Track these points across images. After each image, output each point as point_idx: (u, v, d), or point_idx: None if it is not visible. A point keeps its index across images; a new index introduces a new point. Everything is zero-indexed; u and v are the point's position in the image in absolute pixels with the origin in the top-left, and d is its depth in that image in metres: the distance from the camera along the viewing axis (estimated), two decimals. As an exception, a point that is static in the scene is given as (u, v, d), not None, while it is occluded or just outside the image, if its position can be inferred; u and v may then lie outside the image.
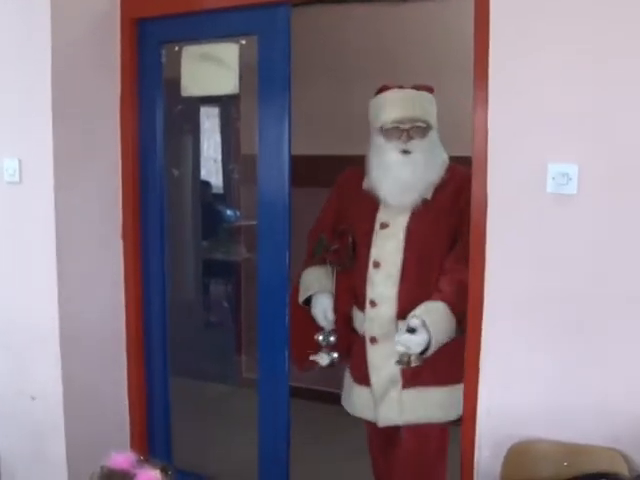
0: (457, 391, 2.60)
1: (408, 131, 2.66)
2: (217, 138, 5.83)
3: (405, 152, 2.65)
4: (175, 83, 3.15)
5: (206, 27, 2.98)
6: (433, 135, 2.70)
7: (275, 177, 2.88)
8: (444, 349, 2.60)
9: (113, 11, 3.12)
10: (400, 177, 2.64)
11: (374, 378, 2.78)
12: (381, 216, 2.74)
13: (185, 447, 3.55)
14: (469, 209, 2.40)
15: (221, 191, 5.88)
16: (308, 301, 2.93)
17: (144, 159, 3.20)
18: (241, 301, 5.01)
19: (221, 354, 5.07)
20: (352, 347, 2.91)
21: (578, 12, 2.19)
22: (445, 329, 2.58)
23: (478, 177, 2.41)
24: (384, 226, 2.72)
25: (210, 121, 5.73)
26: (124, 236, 3.23)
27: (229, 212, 5.76)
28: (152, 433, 3.36)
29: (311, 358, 2.86)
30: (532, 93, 2.28)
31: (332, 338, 2.87)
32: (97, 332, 3.16)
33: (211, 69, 3.05)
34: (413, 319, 2.56)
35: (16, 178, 3.00)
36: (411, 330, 2.55)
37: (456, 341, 2.59)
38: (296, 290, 2.96)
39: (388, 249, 2.70)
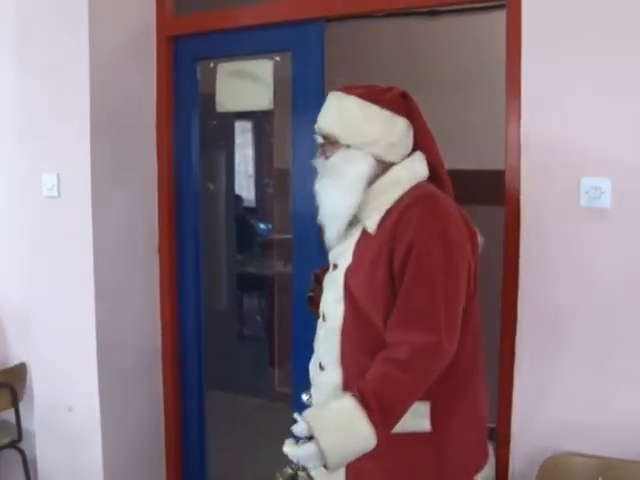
0: None
1: (322, 147, 2.04)
2: (250, 152, 5.89)
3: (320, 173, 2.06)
4: (210, 98, 3.20)
5: (241, 44, 3.03)
6: (345, 154, 1.97)
7: (309, 191, 2.89)
8: (404, 450, 1.91)
9: (150, 29, 3.19)
10: (323, 203, 2.03)
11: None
12: (332, 254, 2.08)
13: (219, 459, 3.57)
14: (410, 241, 1.82)
15: (253, 205, 5.93)
16: None
17: (180, 173, 3.25)
18: (274, 315, 5.03)
19: (254, 367, 5.09)
20: None
21: (612, 26, 2.20)
22: (343, 440, 1.75)
23: (511, 191, 2.41)
24: (334, 267, 2.05)
25: (244, 136, 5.80)
26: (160, 249, 3.28)
27: (262, 226, 5.81)
28: (187, 444, 3.38)
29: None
30: (565, 107, 2.28)
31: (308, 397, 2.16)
32: (133, 345, 3.20)
33: (246, 85, 3.09)
34: (298, 424, 1.80)
35: (54, 192, 3.06)
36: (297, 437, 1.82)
37: (422, 447, 1.91)
38: None
39: (330, 297, 2.03)
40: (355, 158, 1.96)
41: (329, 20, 2.88)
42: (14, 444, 3.30)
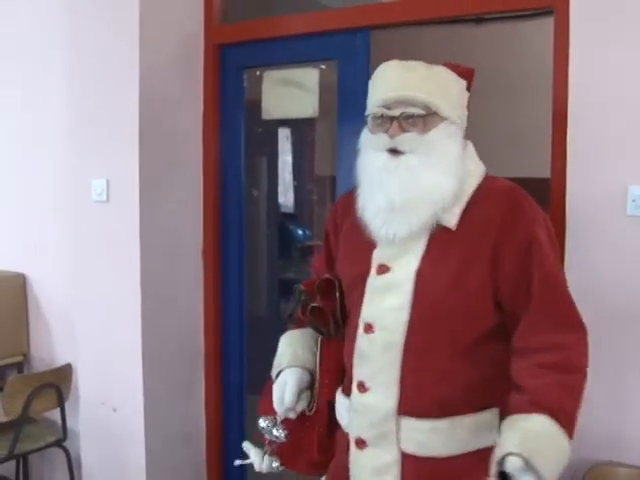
0: None
1: (399, 120, 1.72)
2: (290, 159, 5.92)
3: (392, 152, 1.72)
4: (255, 105, 3.24)
5: (287, 52, 3.07)
6: (444, 129, 1.74)
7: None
8: (471, 472, 1.66)
9: (197, 37, 3.24)
10: (385, 191, 1.72)
11: None
12: (379, 255, 1.78)
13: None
14: (526, 241, 1.68)
15: (292, 211, 5.95)
16: None
17: (225, 179, 3.29)
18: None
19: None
20: (335, 449, 1.93)
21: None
22: (559, 460, 1.53)
23: (556, 199, 2.40)
24: (383, 270, 1.75)
25: (285, 142, 5.83)
26: (205, 254, 3.32)
27: (301, 232, 5.82)
28: (227, 447, 3.40)
29: (243, 446, 2.00)
30: (612, 114, 2.27)
31: (277, 432, 1.87)
32: (177, 347, 3.25)
33: (291, 93, 3.13)
34: (511, 458, 1.48)
35: (104, 197, 3.13)
36: (505, 476, 1.50)
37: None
38: None
39: (387, 305, 1.74)
40: (456, 135, 1.76)
41: (374, 28, 2.90)
42: (59, 443, 3.36)
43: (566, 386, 1.60)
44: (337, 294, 1.86)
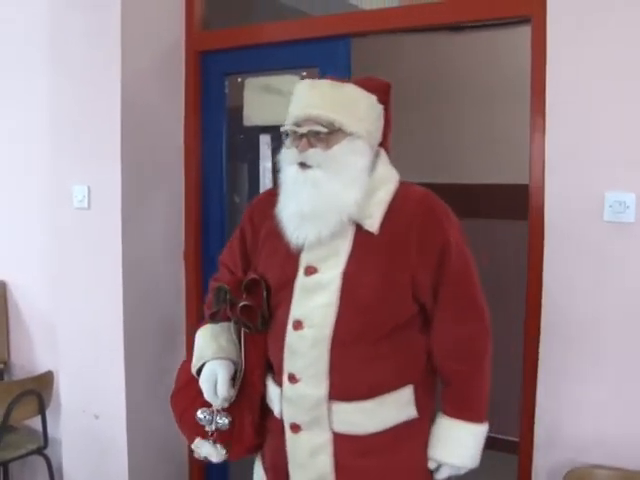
0: None
1: (307, 137, 1.87)
2: (269, 165, 5.92)
3: (302, 165, 1.87)
4: (236, 111, 3.25)
5: (268, 59, 3.08)
6: (348, 144, 1.87)
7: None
8: (395, 444, 1.95)
9: (178, 44, 3.25)
10: (296, 201, 1.88)
11: (297, 479, 1.99)
12: (306, 258, 1.91)
13: (241, 469, 3.57)
14: (438, 245, 1.88)
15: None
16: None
17: (207, 185, 3.31)
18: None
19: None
20: (266, 434, 2.09)
21: (638, 41, 2.22)
22: (471, 448, 1.96)
23: (535, 204, 2.44)
24: (311, 271, 1.90)
25: (268, 149, 5.83)
26: (187, 259, 3.33)
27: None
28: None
29: (193, 446, 2.04)
30: (590, 121, 2.30)
31: (221, 420, 1.98)
32: (159, 354, 3.24)
33: (273, 100, 3.14)
34: (444, 469, 1.98)
35: (85, 204, 3.12)
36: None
37: (412, 435, 1.96)
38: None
39: (316, 304, 1.88)
40: (360, 149, 1.89)
41: (355, 35, 2.92)
42: (40, 451, 3.33)
43: (469, 381, 1.94)
44: (264, 293, 1.98)
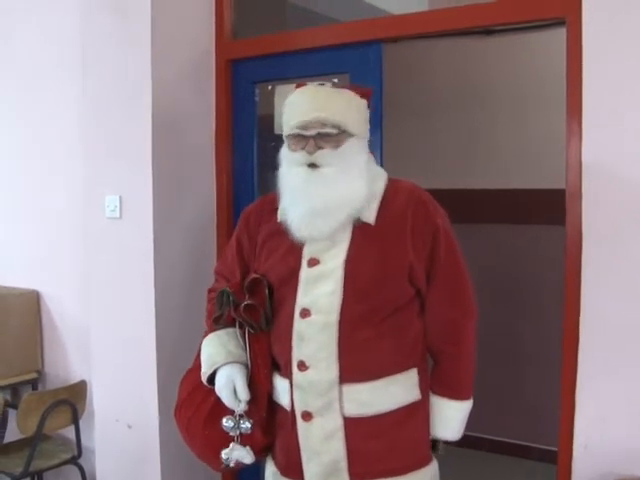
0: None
1: (314, 139, 2.00)
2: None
3: (312, 166, 2.00)
4: (267, 119, 3.24)
5: (298, 66, 3.07)
6: (353, 144, 2.03)
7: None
8: (401, 424, 2.07)
9: (209, 53, 3.26)
10: (307, 199, 2.00)
11: (310, 467, 2.05)
12: (308, 251, 2.05)
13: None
14: (429, 231, 2.04)
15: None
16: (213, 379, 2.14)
17: (238, 194, 3.29)
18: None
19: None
20: (276, 431, 2.17)
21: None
22: (464, 424, 2.19)
23: (571, 210, 2.39)
24: (313, 263, 2.03)
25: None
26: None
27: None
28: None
29: (223, 455, 2.07)
30: (627, 124, 2.26)
31: (244, 424, 2.07)
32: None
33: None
34: (440, 445, 2.19)
35: (117, 214, 3.13)
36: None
37: (414, 415, 2.09)
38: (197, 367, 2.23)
39: (321, 292, 2.01)
40: (363, 148, 2.09)
41: (386, 41, 2.90)
42: (74, 460, 3.35)
43: (456, 362, 2.11)
44: (266, 290, 2.10)
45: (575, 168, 2.37)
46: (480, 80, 4.33)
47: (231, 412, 2.09)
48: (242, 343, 2.11)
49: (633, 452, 2.28)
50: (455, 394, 2.12)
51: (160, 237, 3.05)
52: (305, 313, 2.02)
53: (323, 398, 2.00)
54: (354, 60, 2.89)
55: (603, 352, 2.33)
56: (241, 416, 2.07)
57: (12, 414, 3.17)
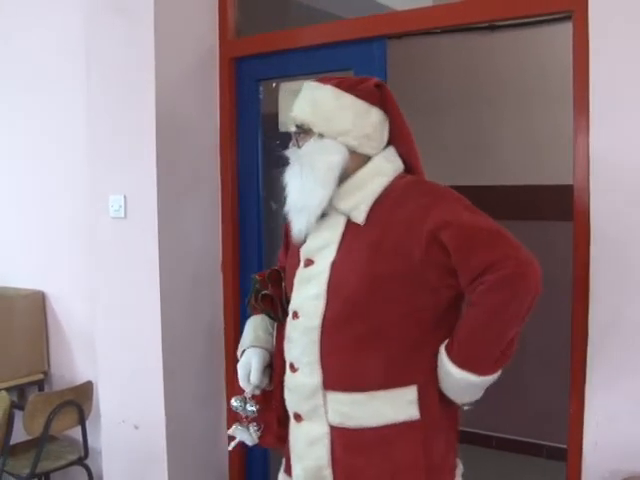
0: None
1: (296, 136, 1.99)
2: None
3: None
4: (271, 117, 3.22)
5: (302, 63, 3.05)
6: (317, 143, 1.92)
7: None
8: (390, 443, 1.90)
9: (212, 51, 3.24)
10: (290, 194, 1.97)
11: (297, 469, 2.02)
12: (305, 250, 1.99)
13: None
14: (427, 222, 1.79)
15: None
16: None
17: (243, 193, 3.28)
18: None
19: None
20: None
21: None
22: (461, 388, 1.88)
23: (579, 206, 2.37)
24: (308, 263, 1.97)
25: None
26: (224, 268, 3.31)
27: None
28: (250, 460, 3.39)
29: (229, 432, 2.12)
30: (634, 118, 2.24)
31: (250, 407, 2.05)
32: (199, 364, 3.23)
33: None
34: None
35: (121, 214, 3.12)
36: None
37: (408, 436, 1.89)
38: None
39: (307, 294, 1.94)
40: (328, 148, 1.91)
41: (390, 37, 2.88)
42: (80, 461, 3.35)
43: (484, 330, 1.78)
44: (283, 284, 2.09)
45: (583, 164, 2.35)
46: (485, 76, 4.31)
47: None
48: (271, 330, 2.13)
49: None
50: (475, 369, 1.82)
51: (165, 236, 3.04)
52: (294, 315, 1.97)
53: (309, 402, 1.94)
54: (358, 57, 2.87)
55: (612, 349, 2.31)
56: (249, 399, 2.06)
57: (19, 415, 3.15)
